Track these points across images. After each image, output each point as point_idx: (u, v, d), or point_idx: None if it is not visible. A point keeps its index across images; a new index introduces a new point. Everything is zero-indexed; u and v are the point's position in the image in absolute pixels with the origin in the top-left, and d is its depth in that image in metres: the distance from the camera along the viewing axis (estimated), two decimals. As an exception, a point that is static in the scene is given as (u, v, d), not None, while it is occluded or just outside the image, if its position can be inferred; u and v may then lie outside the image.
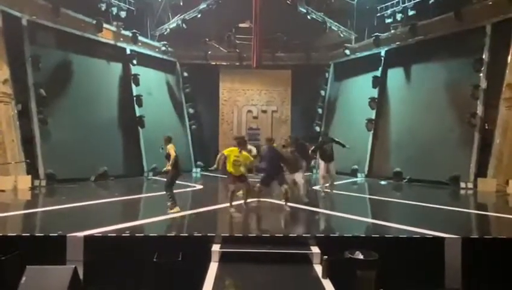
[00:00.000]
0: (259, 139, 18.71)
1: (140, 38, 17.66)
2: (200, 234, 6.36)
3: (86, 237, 5.94)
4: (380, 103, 17.35)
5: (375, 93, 17.43)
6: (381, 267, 5.47)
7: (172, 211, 8.11)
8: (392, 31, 17.24)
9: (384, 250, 5.68)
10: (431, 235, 6.27)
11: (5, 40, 12.57)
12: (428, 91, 15.29)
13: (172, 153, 8.07)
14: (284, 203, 8.85)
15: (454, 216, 8.84)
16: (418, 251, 6.10)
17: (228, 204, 8.62)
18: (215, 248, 5.94)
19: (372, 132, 17.28)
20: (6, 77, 12.49)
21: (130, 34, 17.20)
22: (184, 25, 18.22)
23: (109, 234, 6.18)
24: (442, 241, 6.06)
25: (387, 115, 17.18)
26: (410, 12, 16.39)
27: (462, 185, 13.26)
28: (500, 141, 12.71)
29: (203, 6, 18.00)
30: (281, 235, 6.40)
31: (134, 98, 17.00)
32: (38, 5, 13.68)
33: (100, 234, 6.13)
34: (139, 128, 16.93)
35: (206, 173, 11.48)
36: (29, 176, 12.38)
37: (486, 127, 13.36)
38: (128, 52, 17.18)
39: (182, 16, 18.36)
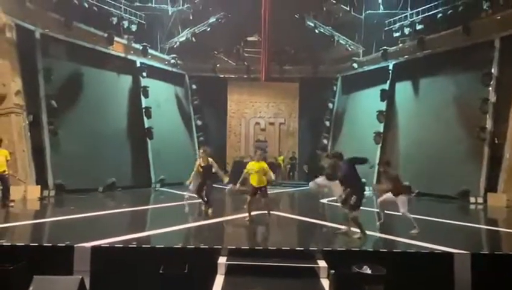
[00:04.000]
0: (266, 151, 18.75)
1: (150, 51, 17.95)
2: (206, 247, 6.34)
3: (93, 247, 5.94)
4: (388, 116, 17.32)
5: (383, 106, 17.43)
6: (389, 282, 5.39)
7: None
8: (400, 45, 17.34)
9: (392, 265, 5.61)
10: (440, 250, 6.16)
11: (18, 53, 12.85)
12: (437, 105, 15.25)
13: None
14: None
15: (463, 231, 8.72)
16: (427, 266, 6.00)
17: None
18: (222, 260, 5.90)
19: (380, 145, 17.18)
20: (19, 88, 12.75)
21: (140, 47, 17.50)
22: (193, 39, 18.52)
23: (116, 245, 6.18)
24: (451, 256, 5.96)
25: (395, 128, 17.13)
26: (418, 27, 16.53)
27: (472, 199, 13.10)
28: (511, 155, 12.59)
29: (212, 20, 18.32)
30: (288, 248, 6.35)
31: (143, 110, 17.21)
32: (51, 18, 14.02)
33: (107, 245, 6.13)
34: (148, 139, 17.09)
35: (214, 185, 11.48)
36: (39, 186, 12.51)
37: (496, 142, 13.25)
38: (138, 64, 17.45)
39: (191, 30, 18.67)
